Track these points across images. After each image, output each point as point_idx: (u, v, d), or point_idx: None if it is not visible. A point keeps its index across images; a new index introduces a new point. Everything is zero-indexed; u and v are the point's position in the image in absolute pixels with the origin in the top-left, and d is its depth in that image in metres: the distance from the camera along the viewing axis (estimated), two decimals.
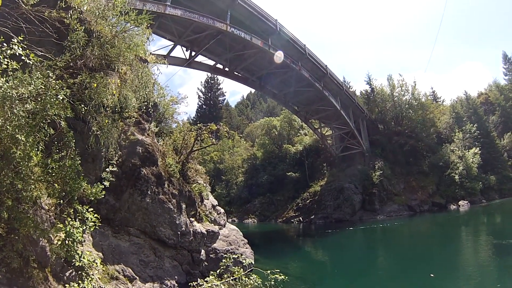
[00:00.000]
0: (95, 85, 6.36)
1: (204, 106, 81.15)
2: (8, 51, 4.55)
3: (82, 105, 6.15)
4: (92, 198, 6.45)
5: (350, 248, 21.44)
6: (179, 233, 10.48)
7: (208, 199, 14.41)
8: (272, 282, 7.55)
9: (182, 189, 11.64)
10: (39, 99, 4.71)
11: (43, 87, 4.79)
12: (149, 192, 9.80)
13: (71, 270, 5.66)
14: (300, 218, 39.33)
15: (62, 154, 5.60)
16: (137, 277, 8.41)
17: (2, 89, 4.26)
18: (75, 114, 6.01)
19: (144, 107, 10.15)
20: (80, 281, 5.57)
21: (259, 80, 32.88)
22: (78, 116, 6.24)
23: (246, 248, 13.99)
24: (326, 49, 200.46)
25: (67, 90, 5.44)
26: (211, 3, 22.52)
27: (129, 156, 9.65)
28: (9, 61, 4.54)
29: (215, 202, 15.16)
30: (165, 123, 16.34)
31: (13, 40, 4.67)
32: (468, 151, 39.01)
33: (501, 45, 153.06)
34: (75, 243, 5.52)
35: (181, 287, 9.27)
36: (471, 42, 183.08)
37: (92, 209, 6.49)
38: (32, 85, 4.57)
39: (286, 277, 7.77)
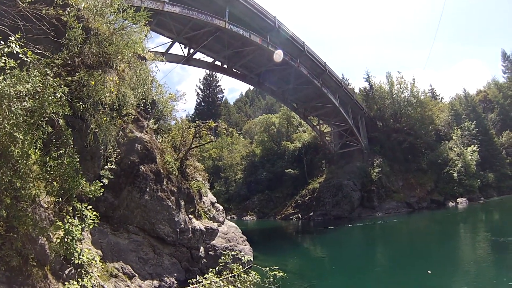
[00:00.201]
0: (93, 82, 6.35)
1: (202, 103, 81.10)
2: (6, 49, 4.53)
3: (80, 103, 6.13)
4: (91, 196, 6.45)
5: (348, 245, 21.53)
6: (178, 230, 10.49)
7: (207, 196, 14.42)
8: (271, 279, 7.59)
9: (181, 186, 11.64)
10: (37, 97, 4.70)
11: (40, 85, 4.78)
12: (147, 189, 9.80)
13: (70, 268, 5.67)
14: (299, 215, 39.41)
15: (61, 152, 5.60)
16: (137, 275, 8.43)
17: (0, 87, 4.25)
18: (73, 112, 6.00)
19: (143, 105, 10.12)
20: (79, 279, 5.58)
21: (257, 77, 32.85)
22: (76, 114, 6.23)
23: (245, 245, 14.02)
24: (325, 46, 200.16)
25: (65, 87, 5.42)
26: (209, 0, 22.45)
27: (127, 153, 9.64)
28: (6, 59, 4.52)
29: (214, 199, 15.17)
30: (163, 120, 16.36)
31: (10, 38, 4.65)
32: (467, 149, 39.10)
33: (500, 43, 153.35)
34: (74, 241, 5.53)
35: (180, 284, 9.29)
36: (470, 40, 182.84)
37: (91, 206, 6.50)
38: (29, 83, 4.55)
39: (285, 274, 7.81)
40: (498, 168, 41.32)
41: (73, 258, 5.57)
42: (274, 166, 49.24)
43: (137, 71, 8.35)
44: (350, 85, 50.65)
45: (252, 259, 12.47)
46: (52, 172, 5.31)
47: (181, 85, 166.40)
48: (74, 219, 5.79)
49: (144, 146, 10.16)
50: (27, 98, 4.54)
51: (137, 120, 10.60)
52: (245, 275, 7.66)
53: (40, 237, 4.90)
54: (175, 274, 9.88)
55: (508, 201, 34.17)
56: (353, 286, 11.32)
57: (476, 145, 39.74)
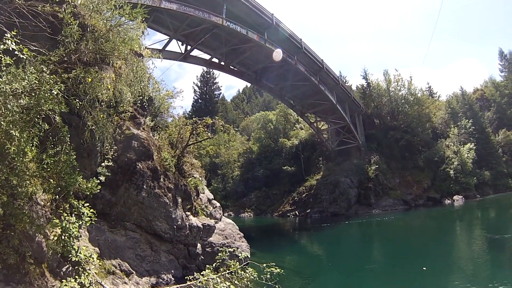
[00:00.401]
0: (89, 79, 6.32)
1: (199, 100, 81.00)
2: (1, 46, 4.50)
3: (77, 100, 6.10)
4: (88, 193, 6.44)
5: (345, 242, 21.65)
6: (175, 227, 10.50)
7: (204, 193, 14.44)
8: (268, 275, 7.61)
9: (178, 183, 11.64)
10: (33, 94, 4.67)
11: (37, 82, 4.75)
12: (144, 186, 9.80)
13: (67, 265, 5.67)
14: (296, 212, 39.55)
15: (57, 149, 5.58)
16: (134, 272, 8.44)
17: None
18: (70, 109, 5.97)
19: (139, 102, 10.10)
20: (77, 276, 5.58)
21: (255, 74, 32.83)
22: (73, 111, 6.20)
23: (242, 242, 14.06)
24: (323, 44, 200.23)
25: (61, 85, 5.39)
26: None
27: (124, 150, 9.62)
28: (2, 56, 4.49)
29: (211, 196, 15.19)
30: (160, 117, 16.31)
31: (6, 35, 4.62)
32: (463, 147, 39.37)
33: (498, 42, 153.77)
34: (71, 238, 5.53)
35: (178, 281, 9.31)
36: (468, 38, 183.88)
37: (88, 204, 6.49)
38: (26, 80, 4.53)
39: (282, 271, 7.85)
40: (494, 166, 41.61)
41: (70, 255, 5.57)
42: (271, 163, 49.33)
43: (134, 68, 8.31)
44: (347, 83, 50.76)
45: (249, 256, 12.53)
46: (48, 169, 5.30)
47: (178, 82, 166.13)
48: (71, 217, 5.78)
49: (141, 143, 10.14)
50: (23, 95, 4.52)
51: (134, 117, 10.57)
52: (242, 272, 7.68)
53: (37, 234, 4.90)
54: (172, 271, 9.91)
55: (504, 199, 34.41)
56: (349, 282, 11.40)
57: (473, 143, 40.04)
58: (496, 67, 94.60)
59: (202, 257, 11.76)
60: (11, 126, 4.20)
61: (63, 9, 6.73)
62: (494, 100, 52.32)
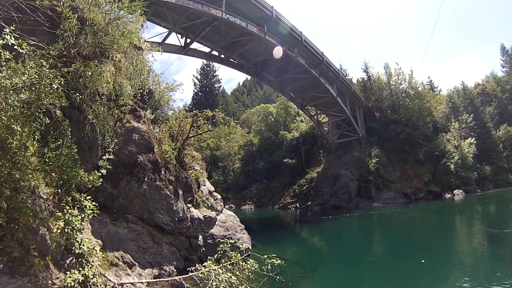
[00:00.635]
0: (89, 73, 6.32)
1: (200, 93, 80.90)
2: (0, 41, 4.50)
3: (77, 94, 6.12)
4: (90, 186, 6.48)
5: (346, 234, 21.80)
6: (176, 219, 10.57)
7: (205, 185, 14.49)
8: (269, 267, 7.68)
9: (179, 175, 11.68)
10: (34, 89, 4.69)
11: (37, 76, 4.76)
12: (146, 179, 9.84)
13: (71, 258, 5.74)
14: (297, 204, 39.76)
15: (58, 143, 5.61)
16: (136, 263, 8.54)
17: None
18: (70, 103, 5.99)
19: (140, 95, 10.10)
20: (80, 268, 5.65)
21: (255, 67, 32.76)
22: (73, 105, 6.22)
23: (243, 233, 14.15)
24: (321, 39, 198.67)
25: (61, 79, 5.40)
26: None
27: (125, 143, 9.64)
28: (1, 51, 4.49)
29: (212, 188, 15.25)
30: (160, 110, 16.31)
31: (5, 30, 4.62)
32: (464, 141, 39.37)
33: (499, 37, 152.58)
34: (74, 231, 5.58)
35: (180, 272, 9.41)
36: (470, 33, 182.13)
37: (90, 197, 6.53)
38: (26, 75, 4.54)
39: (283, 262, 7.91)
40: (495, 161, 41.77)
41: (73, 248, 5.63)
42: (272, 156, 49.45)
43: (134, 61, 8.30)
44: (348, 76, 50.57)
45: (250, 248, 12.58)
46: (50, 163, 5.33)
47: (178, 75, 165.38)
48: (74, 210, 5.83)
49: (142, 136, 10.15)
50: (23, 90, 4.53)
51: (134, 110, 10.57)
52: (244, 263, 7.74)
53: (40, 227, 4.95)
54: (174, 262, 10.01)
55: (504, 194, 34.56)
56: (349, 274, 11.53)
57: (474, 138, 40.06)
58: (497, 62, 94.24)
59: (203, 249, 11.86)
60: (12, 120, 4.23)
61: (61, 3, 6.70)
62: (495, 95, 52.29)
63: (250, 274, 7.67)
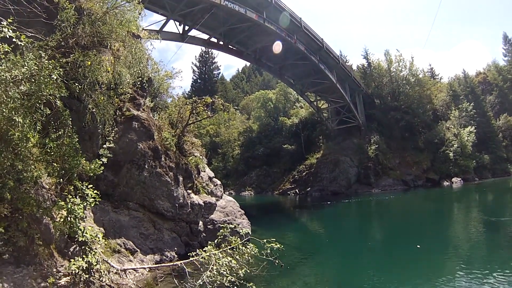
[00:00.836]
0: (89, 62, 6.33)
1: (199, 80, 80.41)
2: None
3: (76, 84, 6.14)
4: (91, 174, 6.58)
5: (344, 220, 22.05)
6: (177, 205, 10.71)
7: (204, 171, 14.58)
8: (268, 251, 7.84)
9: (179, 162, 11.77)
10: (33, 80, 4.71)
11: (36, 68, 4.78)
12: (146, 166, 9.93)
13: (75, 246, 5.89)
14: (297, 190, 40.05)
15: (59, 133, 5.67)
16: (138, 250, 8.71)
17: None
18: (70, 93, 6.02)
19: (139, 83, 10.09)
20: (84, 256, 5.79)
21: (254, 53, 32.46)
22: (73, 95, 6.25)
23: (243, 219, 14.29)
24: (323, 24, 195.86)
25: (60, 69, 5.41)
26: None
27: (125, 131, 9.69)
28: (0, 44, 4.50)
29: (212, 174, 15.33)
30: (160, 98, 16.31)
31: (2, 22, 4.60)
32: (464, 129, 39.34)
33: (503, 25, 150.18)
34: (77, 219, 5.71)
35: (181, 258, 9.59)
36: (472, 20, 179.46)
37: (91, 185, 6.64)
38: (25, 67, 4.56)
39: (282, 246, 8.07)
40: (494, 150, 41.84)
41: (77, 236, 5.76)
42: (271, 142, 49.52)
43: (133, 49, 8.28)
44: (348, 62, 50.15)
45: (250, 232, 12.75)
46: (52, 153, 5.41)
47: (176, 63, 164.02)
48: (76, 198, 5.94)
49: (142, 124, 10.19)
50: (23, 81, 4.56)
51: (133, 98, 10.57)
52: (243, 247, 7.89)
53: (44, 217, 5.06)
54: (175, 248, 10.19)
55: (502, 183, 34.75)
56: (347, 258, 11.75)
57: (473, 127, 40.00)
58: (499, 51, 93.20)
59: (204, 234, 12.02)
60: (13, 112, 4.27)
61: None
62: (496, 84, 51.86)
63: (250, 258, 7.82)
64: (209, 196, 13.53)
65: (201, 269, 7.24)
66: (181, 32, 24.37)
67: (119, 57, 7.83)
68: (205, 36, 27.58)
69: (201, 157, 14.33)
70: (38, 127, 4.89)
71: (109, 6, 7.50)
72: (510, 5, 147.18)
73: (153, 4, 22.00)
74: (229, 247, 7.94)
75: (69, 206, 5.62)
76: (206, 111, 14.77)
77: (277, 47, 27.80)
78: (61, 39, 6.32)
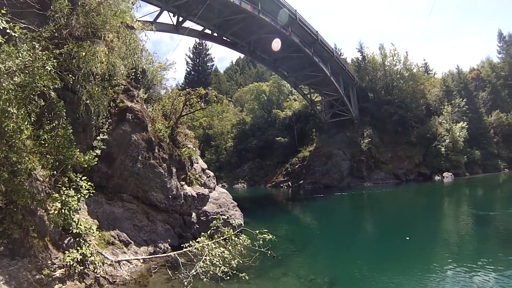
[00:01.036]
0: (83, 53, 6.27)
1: (192, 72, 79.85)
2: None
3: (70, 75, 6.09)
4: (86, 166, 6.57)
5: (336, 212, 22.32)
6: (170, 196, 10.74)
7: (197, 163, 14.59)
8: (261, 242, 7.95)
9: (172, 153, 11.76)
10: (27, 71, 4.67)
11: (30, 59, 4.73)
12: (140, 157, 9.92)
13: (69, 238, 5.90)
14: (289, 183, 40.26)
15: (54, 124, 5.64)
16: (132, 242, 8.75)
17: None
18: (64, 84, 5.97)
19: (133, 74, 10.03)
20: (78, 247, 5.83)
21: (248, 45, 32.23)
22: (67, 86, 6.20)
23: (236, 210, 14.39)
24: (318, 17, 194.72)
25: (54, 60, 5.36)
26: None
27: (119, 123, 9.66)
28: None
29: (205, 166, 15.35)
30: (153, 89, 16.19)
31: None
32: (456, 125, 39.70)
33: (497, 21, 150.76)
34: (71, 211, 5.72)
35: (174, 249, 9.66)
36: (467, 16, 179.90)
37: (85, 177, 6.64)
38: (19, 58, 4.51)
39: (274, 237, 8.19)
40: (485, 146, 42.39)
41: (71, 228, 5.78)
42: (264, 134, 49.54)
43: (127, 40, 8.21)
44: (342, 55, 50.17)
45: (242, 224, 12.90)
46: (46, 145, 5.39)
47: (170, 54, 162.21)
48: (70, 190, 5.94)
49: (135, 115, 10.15)
50: (17, 73, 4.51)
51: (127, 90, 10.51)
52: (236, 238, 8.00)
53: (38, 209, 5.06)
54: (169, 240, 10.26)
55: (492, 179, 35.36)
56: (337, 250, 11.96)
57: (465, 122, 40.31)
58: (494, 48, 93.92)
59: (197, 226, 12.10)
60: (8, 104, 4.24)
61: None
62: (489, 81, 52.13)
63: (242, 249, 7.94)
64: (202, 187, 13.57)
65: (195, 260, 7.34)
66: (175, 23, 24.07)
67: (113, 48, 7.76)
68: (200, 28, 27.31)
69: (194, 148, 14.33)
70: (32, 118, 4.86)
71: None
72: (506, 2, 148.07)
73: None
74: (222, 238, 8.03)
75: (63, 198, 5.63)
76: (200, 102, 14.73)
77: (276, 44, 27.81)
78: (54, 30, 6.24)
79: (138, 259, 8.08)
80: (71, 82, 6.08)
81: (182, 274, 7.10)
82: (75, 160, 6.23)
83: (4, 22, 4.46)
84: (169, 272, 7.49)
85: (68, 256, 5.40)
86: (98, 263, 6.21)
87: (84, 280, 5.81)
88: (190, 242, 7.86)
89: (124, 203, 9.58)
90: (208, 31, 28.12)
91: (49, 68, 5.04)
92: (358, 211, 22.63)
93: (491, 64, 55.92)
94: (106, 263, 6.66)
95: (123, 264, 7.34)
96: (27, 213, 4.81)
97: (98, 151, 7.79)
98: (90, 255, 5.89)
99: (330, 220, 18.94)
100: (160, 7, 22.73)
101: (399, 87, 44.01)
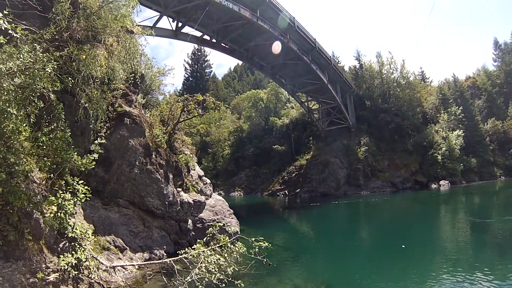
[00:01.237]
0: (83, 57, 6.27)
1: (190, 78, 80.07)
2: None
3: (70, 78, 6.08)
4: (83, 169, 6.53)
5: (333, 221, 22.21)
6: (166, 203, 10.68)
7: (194, 170, 14.54)
8: (257, 249, 7.89)
9: (169, 159, 11.73)
10: (27, 73, 4.66)
11: (30, 60, 4.72)
12: (137, 163, 9.89)
13: (64, 242, 5.83)
14: (286, 191, 40.11)
15: (52, 127, 5.62)
16: (128, 247, 8.66)
17: None
18: (63, 87, 5.95)
19: (132, 79, 10.04)
20: (73, 252, 5.75)
21: (246, 52, 32.38)
22: (66, 89, 6.18)
23: (232, 218, 14.30)
24: (316, 24, 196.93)
25: (54, 63, 5.36)
26: None
27: (117, 127, 9.64)
28: None
29: (202, 173, 15.29)
30: (152, 95, 16.19)
31: None
32: (452, 133, 39.97)
33: (494, 28, 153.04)
34: (67, 215, 5.65)
35: (170, 256, 9.55)
36: (464, 24, 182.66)
37: (82, 181, 6.59)
38: (20, 59, 4.50)
39: (270, 245, 8.13)
40: (481, 154, 42.68)
41: (66, 231, 5.71)
42: (261, 142, 49.54)
43: (126, 45, 8.23)
44: (340, 63, 50.55)
45: (238, 231, 12.83)
46: (44, 147, 5.36)
47: (168, 60, 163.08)
48: (66, 194, 5.88)
49: (133, 120, 10.15)
50: (17, 74, 4.50)
51: (126, 94, 10.53)
52: (232, 246, 7.93)
53: (34, 211, 5.00)
54: (164, 246, 10.16)
55: (488, 186, 35.53)
56: (333, 258, 11.89)
57: (461, 130, 40.67)
58: (489, 56, 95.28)
59: (193, 233, 12.00)
60: (7, 104, 4.22)
61: None
62: (485, 89, 52.74)
63: (238, 256, 7.87)
64: (199, 194, 13.50)
65: (190, 267, 7.25)
66: (174, 28, 24.18)
67: (113, 52, 7.77)
68: (198, 34, 27.45)
69: (191, 155, 14.30)
70: (32, 119, 4.83)
71: (104, 0, 7.43)
72: (502, 11, 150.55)
73: (147, 0, 21.80)
74: (218, 245, 7.96)
75: (60, 202, 5.57)
76: (197, 109, 14.74)
77: (277, 47, 27.92)
78: (55, 32, 6.24)
79: (134, 265, 7.99)
80: (70, 85, 6.06)
81: (178, 281, 7.02)
82: (72, 163, 6.19)
83: (6, 23, 4.46)
84: (165, 279, 7.40)
85: (63, 260, 5.33)
86: (93, 268, 6.12)
87: (79, 285, 5.73)
88: (186, 249, 7.78)
89: (120, 208, 9.51)
90: (207, 37, 28.29)
91: (49, 70, 5.04)
92: (355, 219, 22.57)
93: (486, 72, 56.70)
94: (101, 269, 6.57)
95: (118, 270, 7.25)
96: (23, 215, 4.75)
97: (96, 155, 7.76)
98: (85, 259, 5.82)
99: (327, 228, 18.86)
100: (160, 12, 22.85)
101: (396, 95, 44.35)
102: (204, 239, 8.15)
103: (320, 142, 42.65)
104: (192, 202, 12.24)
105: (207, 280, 6.86)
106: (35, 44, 5.06)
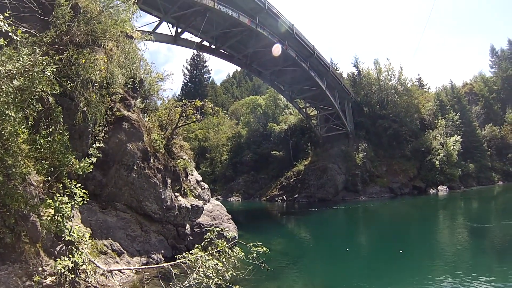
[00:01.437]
0: (83, 60, 6.30)
1: (189, 84, 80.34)
2: None
3: (69, 81, 6.10)
4: (81, 173, 6.52)
5: (331, 226, 22.20)
6: (164, 207, 10.65)
7: (192, 175, 14.55)
8: (255, 255, 7.85)
9: (167, 164, 11.73)
10: (27, 75, 4.68)
11: (30, 63, 4.75)
12: (135, 167, 9.88)
13: (61, 245, 5.79)
14: (284, 196, 40.06)
15: (50, 130, 5.62)
16: (125, 251, 8.62)
17: None
18: (62, 90, 5.97)
19: (130, 83, 10.07)
20: (70, 255, 5.71)
21: (245, 58, 32.58)
22: (65, 92, 6.21)
23: (230, 223, 14.29)
24: (314, 31, 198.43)
25: (54, 66, 5.38)
26: None
27: (115, 131, 9.64)
28: None
29: (200, 178, 15.30)
30: (150, 99, 16.25)
31: None
32: (450, 139, 40.10)
33: (491, 35, 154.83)
34: (64, 218, 5.63)
35: (168, 261, 9.51)
36: (461, 30, 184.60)
37: (80, 185, 6.58)
38: (19, 62, 4.52)
39: (268, 250, 8.10)
40: (478, 159, 42.85)
41: (63, 235, 5.68)
42: (259, 148, 49.56)
43: (126, 49, 8.28)
44: (338, 70, 50.84)
45: (236, 236, 12.80)
46: (42, 150, 5.36)
47: (167, 65, 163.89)
48: (64, 197, 5.87)
49: (132, 125, 10.15)
50: (16, 76, 4.52)
51: (124, 99, 10.55)
52: (230, 251, 7.89)
53: (31, 214, 4.99)
54: (162, 251, 10.11)
55: (486, 191, 35.59)
56: (331, 263, 11.86)
57: (459, 136, 40.79)
58: (486, 62, 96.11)
59: (190, 238, 11.96)
60: (6, 106, 4.23)
61: None
62: (482, 95, 53.08)
63: (236, 261, 7.84)
64: (197, 199, 13.48)
65: (188, 272, 7.20)
66: (173, 34, 24.34)
67: (112, 57, 7.81)
68: (197, 39, 27.60)
69: (189, 160, 14.32)
70: (30, 122, 4.84)
71: (104, 5, 7.49)
72: (499, 17, 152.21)
73: (147, 5, 21.93)
74: (215, 250, 7.93)
75: (57, 205, 5.55)
76: (196, 114, 14.78)
77: (277, 49, 28.03)
78: (55, 36, 6.28)
79: (131, 269, 7.94)
80: (69, 89, 6.08)
81: (175, 286, 6.97)
82: (70, 166, 6.18)
83: (7, 25, 4.49)
84: (162, 283, 7.35)
85: (60, 263, 5.29)
86: (90, 272, 6.08)
87: None
88: (184, 253, 7.74)
89: (118, 212, 9.47)
90: (206, 43, 28.47)
91: (49, 73, 5.06)
92: (353, 224, 22.56)
93: (483, 78, 57.04)
94: (98, 272, 6.52)
95: (115, 274, 7.20)
96: (20, 218, 4.73)
97: (94, 159, 7.74)
98: (82, 263, 5.77)
99: (325, 234, 18.83)
100: (160, 18, 23.02)
101: (393, 101, 44.62)
102: (202, 244, 8.11)
103: (318, 148, 42.75)
104: (190, 207, 12.21)
105: (205, 285, 6.82)
106: (35, 47, 5.09)
